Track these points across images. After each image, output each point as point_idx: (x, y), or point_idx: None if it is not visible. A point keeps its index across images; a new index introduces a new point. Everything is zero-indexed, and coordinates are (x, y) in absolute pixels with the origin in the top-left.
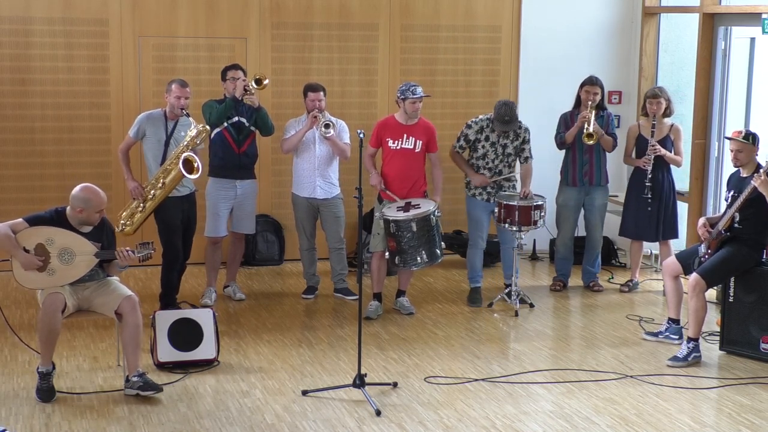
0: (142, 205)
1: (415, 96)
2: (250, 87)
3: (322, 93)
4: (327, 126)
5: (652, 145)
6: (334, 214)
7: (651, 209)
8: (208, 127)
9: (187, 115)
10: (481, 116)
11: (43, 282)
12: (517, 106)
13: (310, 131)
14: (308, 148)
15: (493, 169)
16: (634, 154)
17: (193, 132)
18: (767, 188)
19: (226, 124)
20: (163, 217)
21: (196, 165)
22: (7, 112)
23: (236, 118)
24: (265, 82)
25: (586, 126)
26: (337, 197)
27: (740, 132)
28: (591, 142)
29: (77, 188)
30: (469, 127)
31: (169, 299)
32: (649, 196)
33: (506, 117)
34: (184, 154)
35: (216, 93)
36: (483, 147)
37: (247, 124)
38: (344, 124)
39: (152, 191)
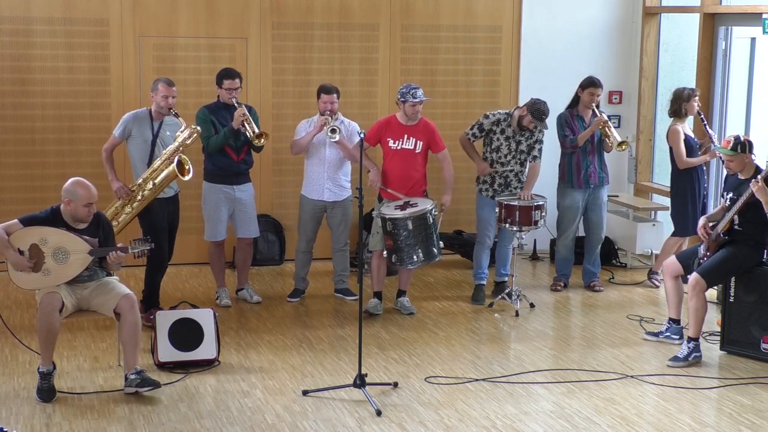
0: (129, 205)
1: (414, 99)
2: (250, 129)
3: (335, 95)
4: (333, 131)
5: (714, 134)
6: (343, 215)
7: (705, 201)
8: (199, 128)
9: (176, 115)
10: (499, 110)
11: (38, 282)
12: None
13: (321, 134)
14: (318, 150)
15: (505, 164)
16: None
17: (185, 133)
18: (764, 195)
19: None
20: (150, 219)
21: (187, 167)
22: (7, 112)
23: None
24: (263, 141)
25: (609, 133)
26: (348, 200)
27: (729, 141)
28: (625, 148)
29: (69, 181)
30: (486, 117)
31: (152, 301)
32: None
33: (543, 115)
34: (178, 156)
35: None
36: (497, 140)
37: (243, 131)
38: (356, 126)
39: (141, 192)
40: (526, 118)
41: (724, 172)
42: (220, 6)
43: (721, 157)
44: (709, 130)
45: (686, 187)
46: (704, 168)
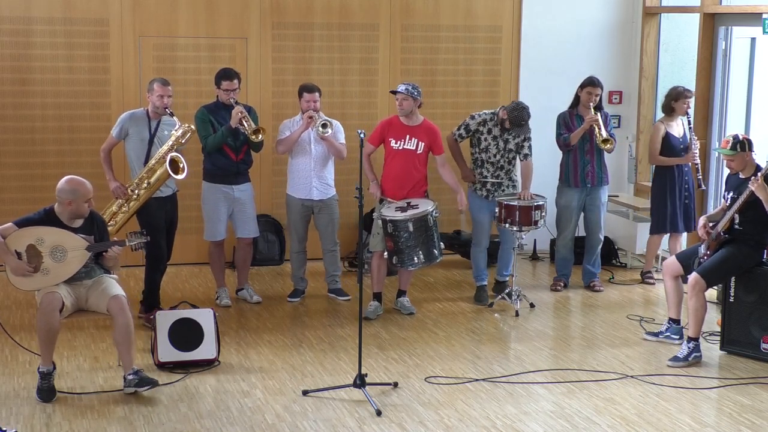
0: (125, 205)
1: (395, 92)
2: (247, 125)
3: (317, 94)
4: (324, 126)
5: (697, 140)
6: (329, 216)
7: (688, 201)
8: (192, 126)
9: (171, 114)
10: (485, 111)
11: (38, 283)
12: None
13: (306, 132)
14: (304, 149)
15: (495, 164)
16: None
17: (178, 132)
18: (764, 192)
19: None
20: (147, 218)
21: (181, 165)
22: (7, 112)
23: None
24: (261, 137)
25: (597, 131)
26: (333, 198)
27: (728, 141)
28: (609, 146)
29: (62, 181)
30: (472, 118)
31: (153, 300)
32: (704, 188)
33: (522, 121)
34: (171, 154)
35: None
36: (485, 140)
37: (242, 130)
38: (339, 124)
39: (136, 191)
40: (506, 122)
41: (725, 175)
42: (220, 6)
43: (696, 166)
44: (693, 135)
45: (663, 185)
46: (687, 168)
